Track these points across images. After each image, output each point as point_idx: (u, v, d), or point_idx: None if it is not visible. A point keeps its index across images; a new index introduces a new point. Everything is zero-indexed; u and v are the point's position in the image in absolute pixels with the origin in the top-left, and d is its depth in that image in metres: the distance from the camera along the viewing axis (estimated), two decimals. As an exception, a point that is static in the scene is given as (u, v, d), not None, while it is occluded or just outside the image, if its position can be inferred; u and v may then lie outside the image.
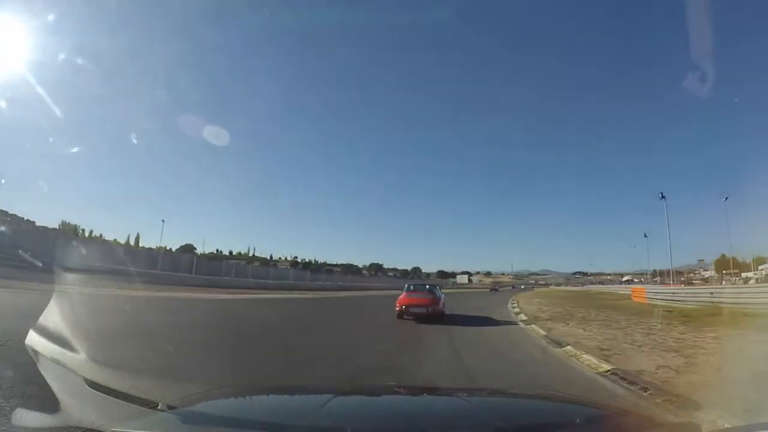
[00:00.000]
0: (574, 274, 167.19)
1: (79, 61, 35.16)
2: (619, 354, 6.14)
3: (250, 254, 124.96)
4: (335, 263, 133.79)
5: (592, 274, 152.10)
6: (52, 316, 3.91)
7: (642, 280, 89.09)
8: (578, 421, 1.55)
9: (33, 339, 3.03)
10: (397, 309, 11.41)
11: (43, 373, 2.42)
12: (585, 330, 9.36)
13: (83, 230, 62.53)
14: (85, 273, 17.13)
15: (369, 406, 1.90)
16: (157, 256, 34.51)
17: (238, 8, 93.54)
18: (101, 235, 65.69)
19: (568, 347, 7.03)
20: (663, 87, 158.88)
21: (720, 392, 3.84)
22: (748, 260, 57.55)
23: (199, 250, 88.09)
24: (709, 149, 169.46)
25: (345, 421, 1.50)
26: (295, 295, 27.62)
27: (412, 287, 13.20)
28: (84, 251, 22.97)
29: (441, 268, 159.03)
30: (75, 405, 1.95)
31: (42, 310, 3.87)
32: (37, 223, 33.11)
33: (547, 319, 12.17)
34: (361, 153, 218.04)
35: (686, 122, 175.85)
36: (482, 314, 14.94)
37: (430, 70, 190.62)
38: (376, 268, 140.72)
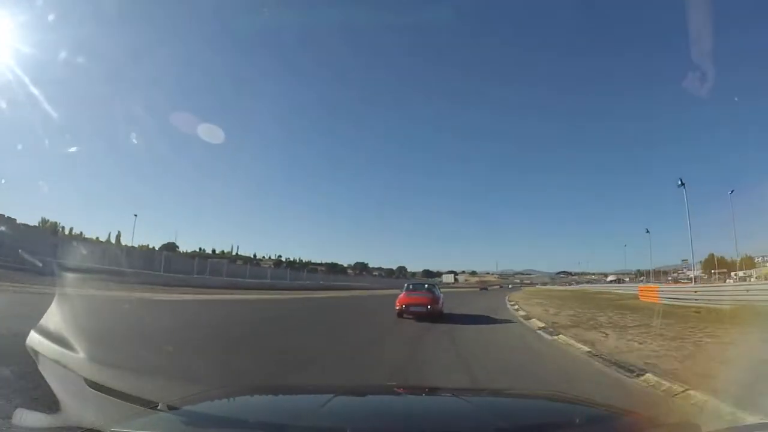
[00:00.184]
0: (559, 273, 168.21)
1: (63, 55, 31.35)
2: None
3: (234, 253, 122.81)
4: (320, 262, 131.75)
5: (576, 274, 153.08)
6: None
7: (629, 279, 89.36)
8: (578, 421, 1.52)
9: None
10: (397, 308, 11.44)
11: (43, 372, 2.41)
12: (639, 342, 6.97)
13: (63, 227, 61.69)
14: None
15: (369, 406, 1.86)
16: (129, 254, 31.27)
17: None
18: (81, 233, 63.23)
19: (649, 376, 4.59)
20: (653, 88, 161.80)
21: None
22: (736, 259, 57.46)
23: (182, 249, 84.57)
24: (692, 151, 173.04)
25: (345, 421, 1.48)
26: (269, 295, 24.64)
27: (411, 287, 13.39)
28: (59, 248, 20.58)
29: (426, 268, 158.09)
30: (74, 405, 1.97)
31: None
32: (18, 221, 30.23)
33: (570, 326, 9.82)
34: (349, 153, 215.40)
35: (673, 124, 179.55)
36: (488, 317, 12.70)
37: (428, 69, 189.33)
38: (361, 268, 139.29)
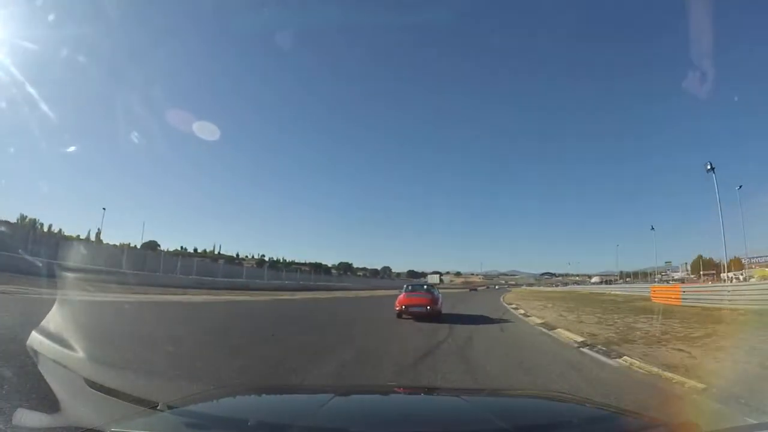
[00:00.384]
0: (543, 274, 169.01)
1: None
2: None
3: (216, 252, 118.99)
4: (304, 262, 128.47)
5: (560, 275, 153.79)
6: None
7: (614, 280, 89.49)
8: (578, 421, 1.50)
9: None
10: (397, 309, 11.50)
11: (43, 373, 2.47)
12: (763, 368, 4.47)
13: (41, 224, 59.31)
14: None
15: (369, 406, 1.81)
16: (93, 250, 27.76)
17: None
18: (60, 230, 60.01)
19: None
20: (644, 91, 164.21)
21: None
22: (725, 261, 57.07)
23: (165, 247, 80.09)
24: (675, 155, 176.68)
25: (345, 421, 1.46)
26: (239, 296, 21.49)
27: (410, 288, 13.43)
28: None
29: (411, 268, 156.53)
30: (73, 405, 1.98)
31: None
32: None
33: (622, 341, 7.37)
34: (336, 155, 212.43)
35: (659, 126, 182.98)
36: (499, 321, 10.15)
37: (415, 76, 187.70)
38: (346, 268, 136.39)
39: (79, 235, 51.91)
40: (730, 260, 57.90)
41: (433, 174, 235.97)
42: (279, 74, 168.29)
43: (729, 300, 13.81)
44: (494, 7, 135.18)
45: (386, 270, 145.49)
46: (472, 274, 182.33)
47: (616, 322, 10.29)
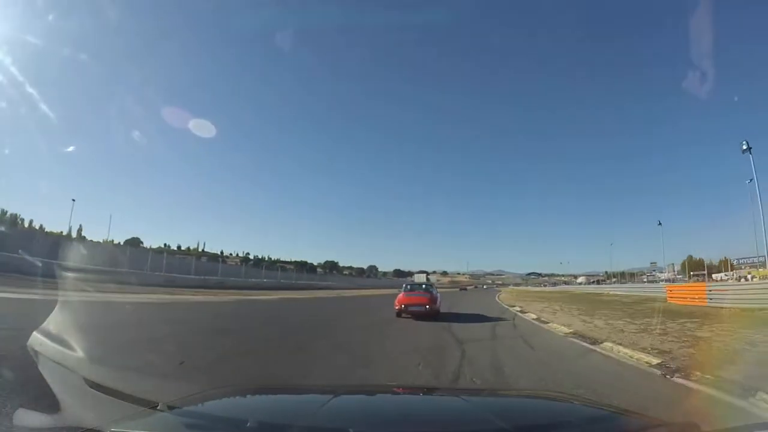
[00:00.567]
0: (529, 274, 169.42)
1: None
2: None
3: (201, 249, 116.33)
4: (289, 260, 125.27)
5: (546, 275, 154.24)
6: None
7: (602, 280, 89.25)
8: (578, 421, 1.49)
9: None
10: (396, 308, 11.59)
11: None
12: None
13: (22, 219, 58.91)
14: None
15: (369, 406, 1.79)
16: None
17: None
18: (42, 225, 59.28)
19: None
20: (639, 91, 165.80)
21: None
22: (715, 262, 56.99)
23: (148, 244, 76.37)
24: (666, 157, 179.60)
25: (345, 421, 1.40)
26: (197, 296, 18.66)
27: (409, 287, 13.70)
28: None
29: (398, 267, 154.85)
30: (71, 405, 1.95)
31: None
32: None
33: (718, 365, 5.08)
34: (325, 154, 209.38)
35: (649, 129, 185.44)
36: (512, 326, 7.85)
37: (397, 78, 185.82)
38: (331, 266, 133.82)
39: (62, 232, 48.38)
40: (721, 261, 57.92)
41: (426, 175, 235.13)
42: (279, 74, 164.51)
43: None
44: (494, 6, 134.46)
45: (372, 269, 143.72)
46: (458, 274, 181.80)
47: (667, 331, 8.10)
